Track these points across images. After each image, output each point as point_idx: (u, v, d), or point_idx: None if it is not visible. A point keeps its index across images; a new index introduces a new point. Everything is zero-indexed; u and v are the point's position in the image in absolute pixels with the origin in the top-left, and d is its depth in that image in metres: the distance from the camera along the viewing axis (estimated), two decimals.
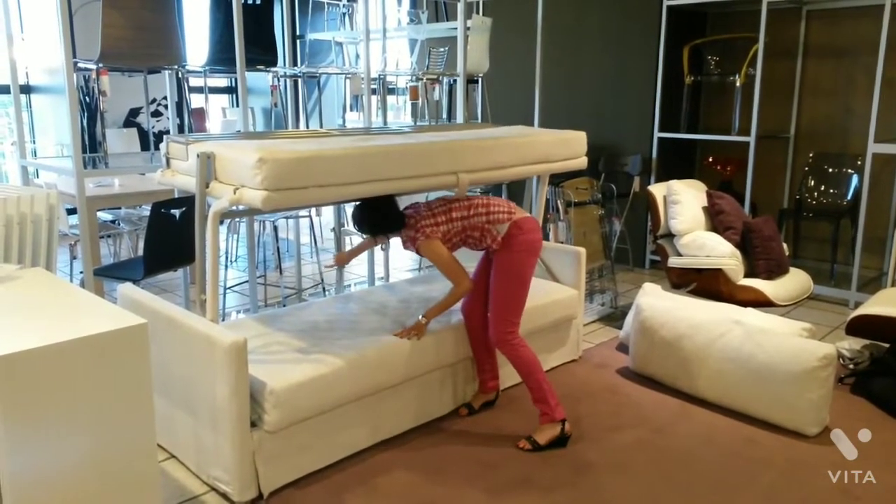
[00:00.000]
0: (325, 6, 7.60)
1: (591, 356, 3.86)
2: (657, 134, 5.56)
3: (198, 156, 2.52)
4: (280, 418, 2.47)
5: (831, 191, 5.32)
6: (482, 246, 2.97)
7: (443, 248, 2.87)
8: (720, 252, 3.90)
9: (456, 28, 5.25)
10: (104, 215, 5.28)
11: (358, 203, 2.91)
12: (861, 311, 3.51)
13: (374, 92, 5.31)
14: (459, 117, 5.25)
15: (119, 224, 5.42)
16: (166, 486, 2.59)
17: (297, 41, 8.16)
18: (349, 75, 6.15)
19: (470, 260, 3.20)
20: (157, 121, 7.32)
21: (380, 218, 2.91)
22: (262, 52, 4.88)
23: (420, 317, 2.97)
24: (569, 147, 3.47)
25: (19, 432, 1.71)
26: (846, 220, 5.17)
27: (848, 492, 2.58)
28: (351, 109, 7.11)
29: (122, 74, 5.24)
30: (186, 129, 5.23)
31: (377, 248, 4.61)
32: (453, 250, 2.93)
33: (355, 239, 6.27)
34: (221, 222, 2.65)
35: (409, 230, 2.88)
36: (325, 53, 8.03)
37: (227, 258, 5.66)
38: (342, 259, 3.37)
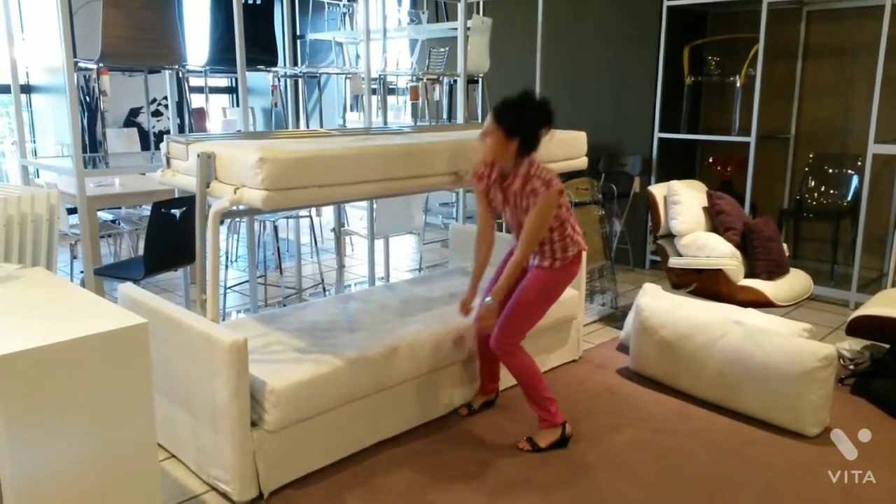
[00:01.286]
0: (326, 6, 7.60)
1: (592, 356, 3.86)
2: (657, 134, 5.56)
3: (198, 155, 2.52)
4: (280, 418, 2.47)
5: (831, 191, 5.32)
6: (543, 249, 2.79)
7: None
8: (720, 252, 3.90)
9: (456, 28, 5.25)
10: (104, 215, 5.28)
11: (521, 96, 2.65)
12: (861, 311, 3.51)
13: (374, 92, 5.32)
14: (460, 117, 5.25)
15: (119, 224, 5.42)
16: (166, 485, 2.59)
17: (298, 41, 8.16)
18: (349, 75, 6.16)
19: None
20: (158, 120, 7.32)
21: (537, 121, 2.64)
22: (262, 52, 4.88)
23: (487, 299, 2.77)
24: (569, 147, 3.48)
25: (20, 431, 1.71)
26: (846, 220, 5.17)
27: (848, 492, 2.58)
28: (351, 109, 7.12)
29: (122, 74, 5.24)
30: (187, 128, 5.23)
31: (377, 248, 4.62)
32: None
33: (356, 239, 6.28)
34: (222, 222, 2.65)
35: (538, 172, 2.63)
36: (325, 53, 8.03)
37: (227, 258, 5.66)
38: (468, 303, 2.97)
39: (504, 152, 2.69)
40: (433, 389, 3.07)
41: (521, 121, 2.65)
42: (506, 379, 3.40)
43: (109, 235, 5.51)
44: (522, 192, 2.69)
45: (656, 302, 3.51)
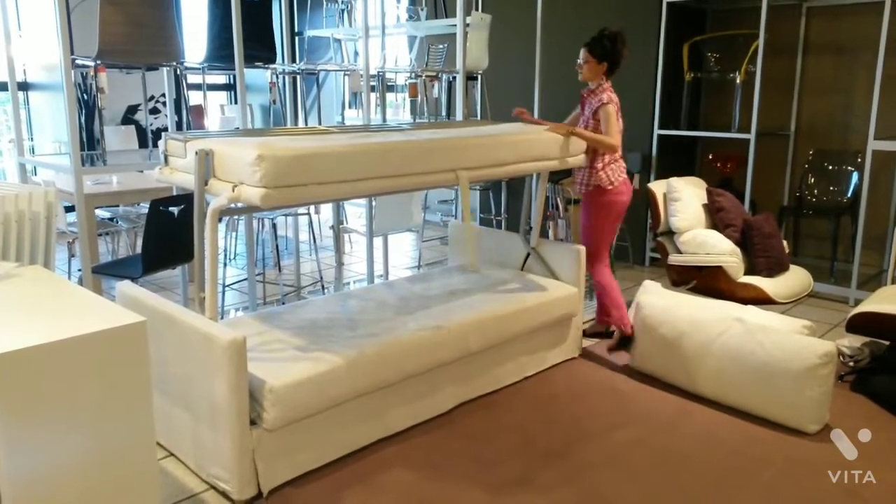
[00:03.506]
0: (324, 3, 7.58)
1: (591, 354, 3.85)
2: (657, 131, 5.55)
3: (196, 153, 2.51)
4: (279, 416, 2.46)
5: (831, 188, 5.32)
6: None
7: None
8: (720, 249, 3.89)
9: (455, 25, 5.24)
10: (102, 213, 5.27)
11: (607, 34, 3.66)
12: (861, 308, 3.50)
13: (373, 89, 5.30)
14: (458, 114, 5.23)
15: (117, 221, 5.40)
16: (165, 484, 2.58)
17: (296, 38, 8.14)
18: (348, 72, 6.13)
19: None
20: (156, 118, 7.31)
21: (612, 49, 3.65)
22: (260, 49, 4.86)
23: (570, 130, 3.50)
24: (568, 144, 3.46)
25: (18, 430, 1.70)
26: (846, 217, 5.16)
27: (848, 490, 2.57)
28: (350, 106, 7.10)
29: (119, 71, 5.21)
30: (185, 126, 5.22)
31: (376, 246, 4.61)
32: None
33: (355, 237, 6.27)
34: (220, 220, 2.64)
35: (606, 90, 3.64)
36: (323, 50, 8.01)
37: (225, 256, 5.65)
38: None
39: (594, 73, 3.68)
40: (432, 387, 3.06)
41: (611, 52, 3.66)
42: (505, 377, 3.40)
43: (107, 233, 5.50)
44: (595, 99, 3.67)
45: (656, 299, 3.50)
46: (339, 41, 7.50)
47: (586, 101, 3.72)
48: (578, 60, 3.71)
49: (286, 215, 4.95)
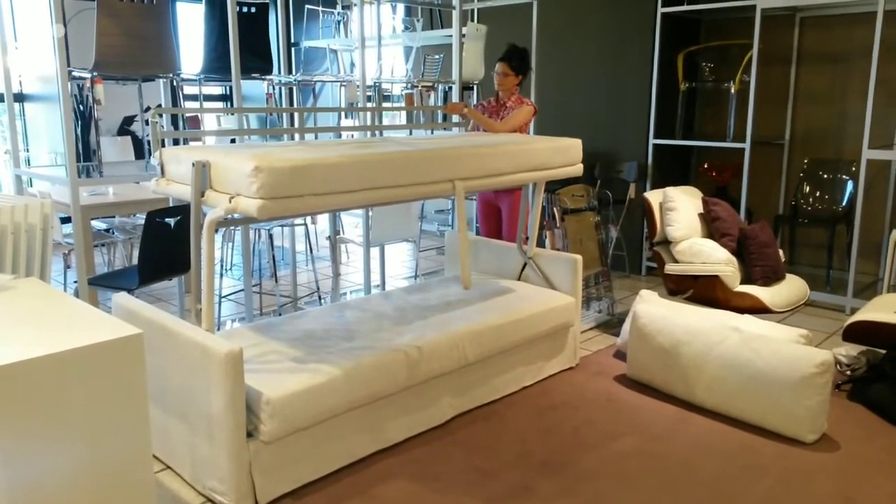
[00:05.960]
0: (320, 14, 7.61)
1: (589, 363, 3.85)
2: (652, 140, 5.57)
3: (193, 164, 2.51)
4: (276, 428, 2.45)
5: (826, 197, 5.34)
6: None
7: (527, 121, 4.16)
8: (716, 259, 3.89)
9: (451, 35, 5.26)
10: (98, 224, 5.26)
11: (520, 49, 4.18)
12: (857, 317, 3.51)
13: (369, 99, 5.31)
14: None
15: (113, 233, 5.39)
16: (162, 497, 2.57)
17: (292, 49, 8.16)
18: (344, 83, 6.15)
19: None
20: None
21: (526, 64, 4.22)
22: (257, 60, 4.87)
23: (466, 108, 4.05)
24: (564, 154, 3.47)
25: (13, 443, 1.69)
26: (841, 225, 5.18)
27: (846, 499, 2.57)
28: (346, 117, 7.11)
29: (116, 82, 5.22)
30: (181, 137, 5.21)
31: (373, 256, 4.61)
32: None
33: (351, 247, 6.26)
34: (217, 230, 2.64)
35: (519, 95, 4.20)
36: (320, 61, 8.03)
37: (222, 267, 5.64)
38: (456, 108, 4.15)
39: (512, 84, 4.18)
40: (430, 398, 3.05)
41: (522, 61, 4.19)
42: (504, 386, 3.39)
43: (103, 244, 5.48)
44: (510, 108, 4.16)
45: (653, 308, 3.50)
46: (335, 52, 7.52)
47: (503, 109, 4.20)
48: (496, 72, 4.18)
49: (283, 226, 4.95)
